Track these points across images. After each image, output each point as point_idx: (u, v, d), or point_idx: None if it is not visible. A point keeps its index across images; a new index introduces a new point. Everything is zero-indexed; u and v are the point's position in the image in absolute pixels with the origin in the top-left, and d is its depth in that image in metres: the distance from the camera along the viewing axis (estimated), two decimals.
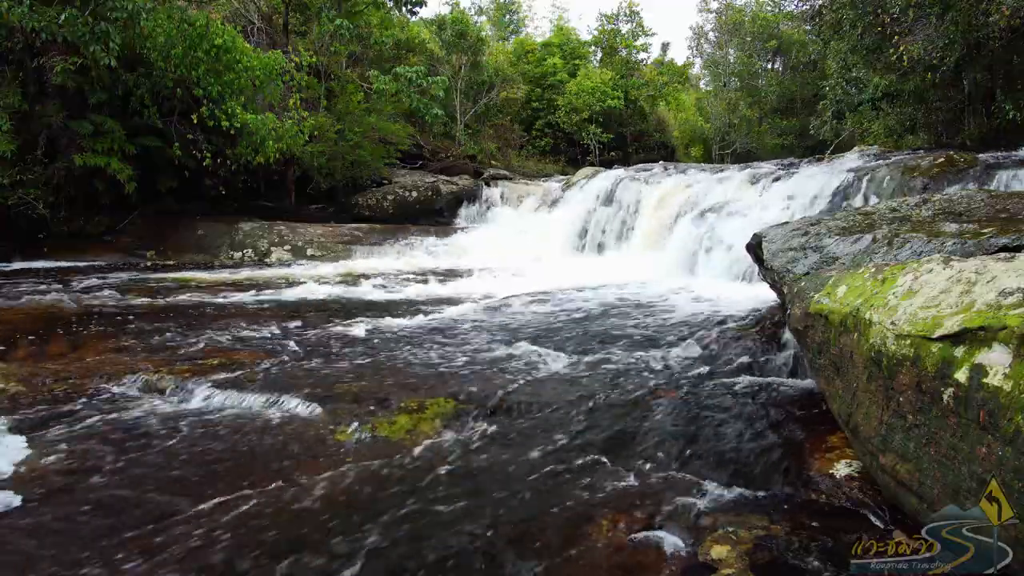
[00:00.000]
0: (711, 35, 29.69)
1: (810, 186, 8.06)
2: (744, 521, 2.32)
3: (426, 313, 6.09)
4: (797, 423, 3.15)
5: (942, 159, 7.24)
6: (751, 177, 9.35)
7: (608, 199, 11.49)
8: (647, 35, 30.60)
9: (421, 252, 11.55)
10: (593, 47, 29.82)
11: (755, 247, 4.66)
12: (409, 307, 6.48)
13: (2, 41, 9.24)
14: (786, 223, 4.86)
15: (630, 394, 3.63)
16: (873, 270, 2.79)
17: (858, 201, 7.23)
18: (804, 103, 24.37)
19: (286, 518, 2.41)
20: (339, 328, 5.39)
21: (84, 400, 3.63)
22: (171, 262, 10.49)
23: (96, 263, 9.94)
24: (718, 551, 2.14)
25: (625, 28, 29.75)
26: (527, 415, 3.40)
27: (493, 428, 3.27)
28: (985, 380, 1.83)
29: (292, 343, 4.87)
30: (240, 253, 11.16)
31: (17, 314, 5.93)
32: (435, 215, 13.92)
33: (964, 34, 9.09)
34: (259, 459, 2.92)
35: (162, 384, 3.86)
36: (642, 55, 30.49)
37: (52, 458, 2.90)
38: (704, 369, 4.07)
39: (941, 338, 2.03)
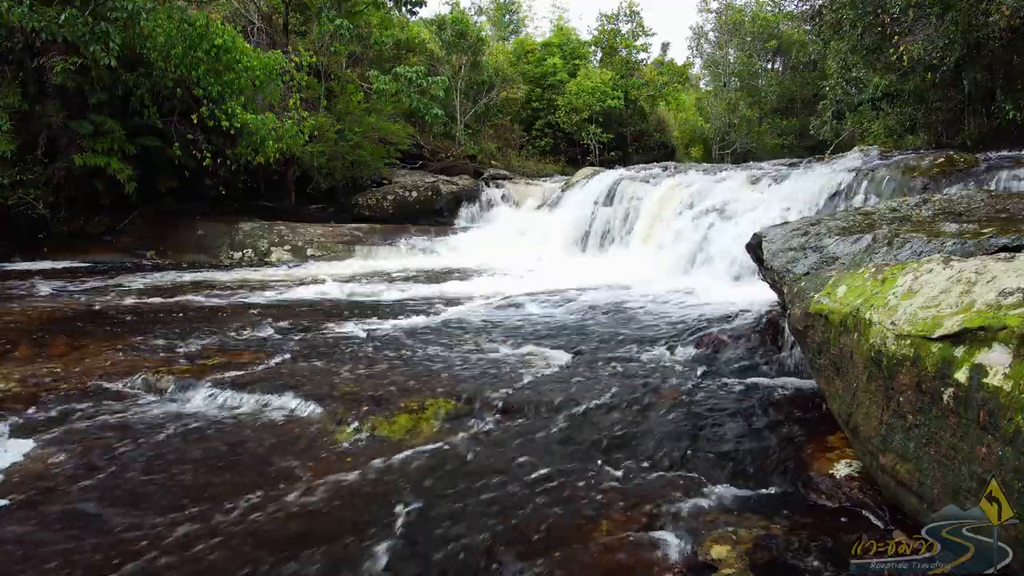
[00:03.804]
0: (711, 35, 29.72)
1: (810, 186, 8.05)
2: (744, 521, 2.32)
3: (426, 313, 6.09)
4: (797, 423, 3.15)
5: (942, 159, 7.24)
6: (751, 177, 9.34)
7: (608, 199, 11.48)
8: (647, 35, 30.62)
9: (421, 252, 11.55)
10: (593, 47, 29.81)
11: (755, 247, 4.66)
12: (409, 307, 6.48)
13: (2, 41, 9.25)
14: (786, 223, 4.86)
15: (630, 394, 3.63)
16: (873, 270, 2.79)
17: (858, 201, 7.22)
18: (804, 103, 24.38)
19: (286, 518, 2.41)
20: (339, 328, 5.39)
21: (84, 400, 3.62)
22: (171, 262, 10.49)
23: (96, 263, 9.94)
24: (718, 551, 2.14)
25: (625, 28, 29.76)
26: (527, 415, 3.40)
27: (493, 428, 3.27)
28: (985, 380, 1.83)
29: (292, 343, 4.87)
30: (240, 253, 11.16)
31: (17, 314, 5.93)
32: (435, 215, 13.92)
33: (964, 34, 9.08)
34: (259, 459, 2.92)
35: (162, 384, 3.86)
36: (642, 55, 30.50)
37: (51, 458, 2.90)
38: (704, 369, 4.07)
39: (941, 338, 2.03)
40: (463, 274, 9.24)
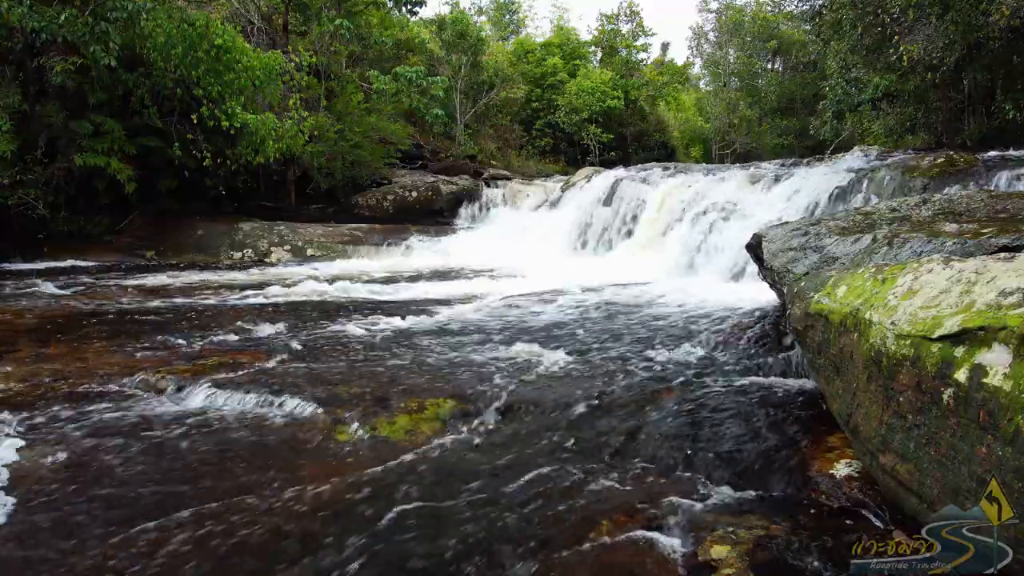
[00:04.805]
0: (711, 35, 29.69)
1: (810, 186, 8.06)
2: (744, 521, 2.32)
3: (426, 313, 6.09)
4: (797, 423, 3.15)
5: (942, 159, 7.24)
6: (751, 177, 9.34)
7: (608, 199, 11.48)
8: (647, 35, 30.53)
9: (421, 252, 11.56)
10: (593, 47, 29.78)
11: (755, 247, 4.67)
12: (409, 307, 6.48)
13: (2, 41, 9.24)
14: (786, 223, 4.86)
15: (630, 394, 3.63)
16: (873, 270, 2.79)
17: (858, 201, 7.22)
18: (804, 103, 24.34)
19: (287, 518, 2.41)
20: (339, 328, 5.39)
21: (83, 400, 3.62)
22: (171, 262, 10.49)
23: (96, 263, 9.94)
24: (718, 551, 2.14)
25: (625, 28, 29.70)
26: (527, 415, 3.40)
27: (493, 428, 3.27)
28: (985, 380, 1.83)
29: (292, 343, 4.87)
30: (240, 253, 11.17)
31: (17, 314, 5.93)
32: (435, 215, 13.93)
33: (964, 34, 9.07)
34: (259, 459, 2.92)
35: (162, 384, 3.86)
36: (642, 55, 30.45)
37: (51, 458, 2.90)
38: (704, 369, 4.07)
39: (941, 338, 2.03)
40: (463, 274, 9.24)
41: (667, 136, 27.95)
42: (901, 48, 9.70)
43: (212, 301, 6.84)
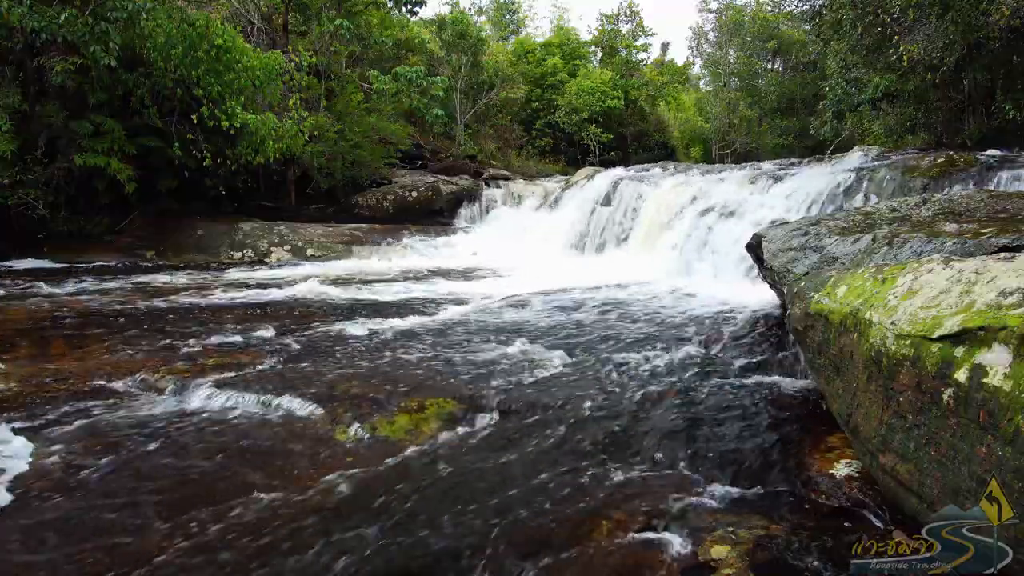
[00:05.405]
0: (711, 35, 29.66)
1: (810, 186, 8.05)
2: (744, 521, 2.32)
3: (426, 313, 6.09)
4: (797, 423, 3.15)
5: (942, 159, 7.24)
6: (751, 177, 9.34)
7: (608, 199, 11.48)
8: (647, 35, 30.54)
9: (421, 252, 11.56)
10: (593, 47, 29.78)
11: (755, 247, 4.67)
12: (409, 307, 6.48)
13: (2, 41, 9.24)
14: (786, 223, 4.86)
15: (630, 394, 3.63)
16: (873, 270, 2.79)
17: (858, 201, 7.22)
18: (804, 103, 24.33)
19: (287, 518, 2.41)
20: (339, 328, 5.38)
21: (84, 400, 3.62)
22: (171, 262, 10.48)
23: (96, 263, 9.94)
24: (718, 551, 2.14)
25: (625, 28, 29.71)
26: (527, 415, 3.40)
27: (493, 428, 3.27)
28: (985, 380, 1.83)
29: (292, 343, 4.87)
30: (240, 253, 11.16)
31: (17, 314, 5.93)
32: (435, 215, 13.93)
33: (964, 34, 9.07)
34: (259, 459, 2.92)
35: (162, 384, 3.86)
36: (642, 55, 30.46)
37: (51, 458, 2.90)
38: (704, 369, 4.07)
39: (941, 338, 2.03)
40: (463, 274, 9.24)
41: (667, 136, 27.95)
42: (901, 48, 9.70)
43: (212, 301, 6.84)
